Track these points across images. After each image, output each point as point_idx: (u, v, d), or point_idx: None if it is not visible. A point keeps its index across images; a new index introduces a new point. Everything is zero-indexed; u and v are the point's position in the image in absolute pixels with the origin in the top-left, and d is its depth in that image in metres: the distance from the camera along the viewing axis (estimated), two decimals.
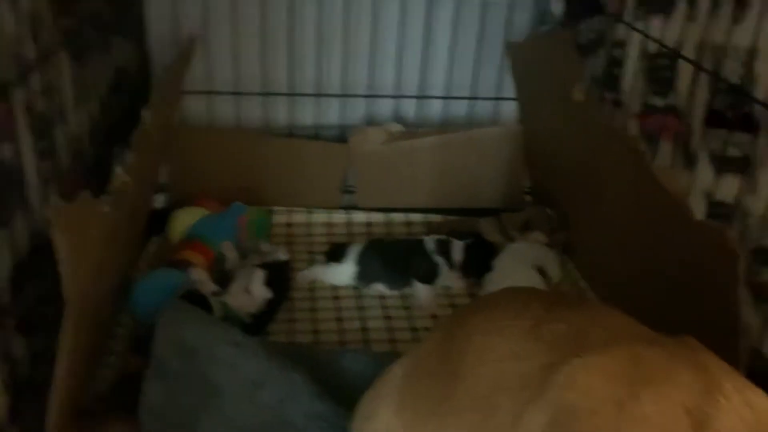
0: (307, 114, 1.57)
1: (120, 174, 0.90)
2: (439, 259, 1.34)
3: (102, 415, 0.94)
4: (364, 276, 1.32)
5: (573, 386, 0.64)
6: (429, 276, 1.33)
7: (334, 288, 1.34)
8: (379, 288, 1.32)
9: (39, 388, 0.86)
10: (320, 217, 1.53)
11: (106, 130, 1.21)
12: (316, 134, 1.58)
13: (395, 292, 1.33)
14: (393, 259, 1.33)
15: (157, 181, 1.44)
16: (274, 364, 1.01)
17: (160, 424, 0.93)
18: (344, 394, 0.99)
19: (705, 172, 1.07)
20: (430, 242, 1.35)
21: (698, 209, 1.05)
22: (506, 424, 0.67)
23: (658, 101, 1.19)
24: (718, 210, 1.05)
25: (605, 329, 0.69)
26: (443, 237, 1.36)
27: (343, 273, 1.33)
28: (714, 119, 1.05)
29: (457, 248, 1.35)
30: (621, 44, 1.29)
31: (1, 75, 0.78)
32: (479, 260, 1.34)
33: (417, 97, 1.58)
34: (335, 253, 1.35)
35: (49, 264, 0.91)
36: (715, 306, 0.89)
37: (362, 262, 1.32)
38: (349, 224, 1.53)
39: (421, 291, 1.32)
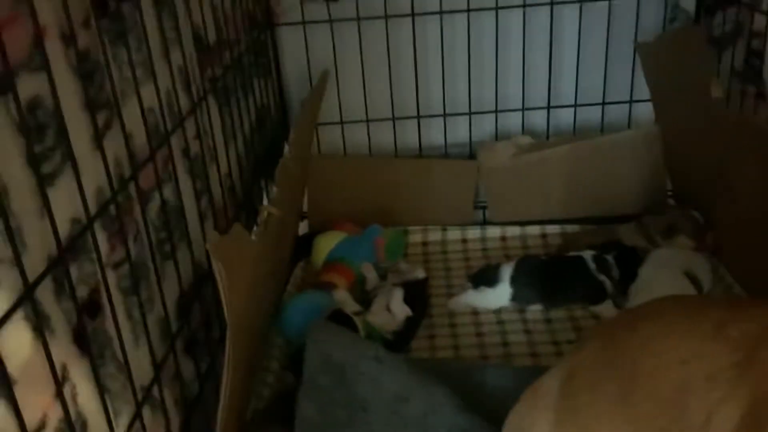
0: (436, 134, 1.60)
1: (266, 206, 0.98)
2: (603, 278, 1.29)
3: (262, 429, 1.01)
4: (521, 298, 1.30)
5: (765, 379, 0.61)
6: (598, 297, 1.29)
7: None
8: (536, 308, 1.30)
9: (205, 406, 0.95)
10: (454, 234, 1.55)
11: (253, 165, 1.31)
12: (445, 153, 1.61)
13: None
14: (551, 278, 1.30)
15: (300, 209, 1.53)
16: (416, 378, 1.04)
17: None
18: (486, 408, 1.00)
19: None
20: (590, 260, 1.30)
21: None
22: (696, 426, 0.64)
23: None
24: None
25: None
26: (597, 252, 1.32)
27: (499, 297, 1.30)
28: None
29: (612, 263, 1.30)
30: (759, 35, 1.22)
31: (161, 125, 0.87)
32: (630, 269, 1.29)
33: (546, 108, 1.58)
34: (486, 277, 1.32)
35: (209, 291, 1.00)
36: None
37: (517, 284, 1.29)
38: (483, 239, 1.54)
39: (605, 312, 1.27)
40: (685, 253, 1.32)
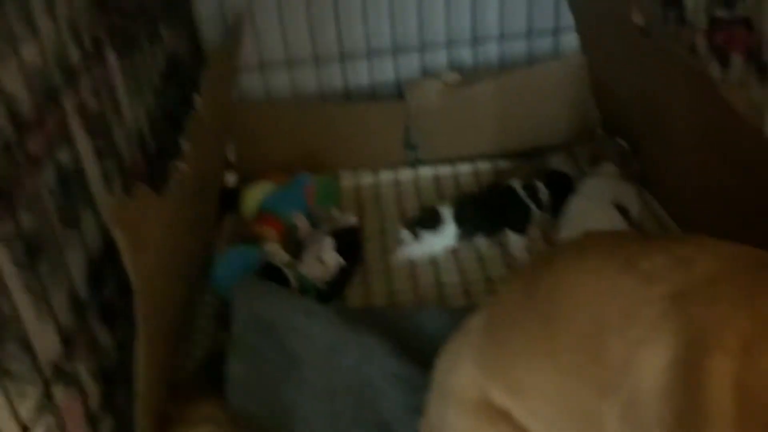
0: (361, 75, 1.55)
1: (176, 164, 0.93)
2: (531, 203, 1.31)
3: (192, 392, 0.99)
4: (466, 234, 1.29)
5: (691, 324, 0.61)
6: (523, 223, 1.30)
7: None
8: (478, 241, 1.30)
9: (129, 375, 0.92)
10: (387, 176, 1.52)
11: (166, 119, 1.24)
12: (372, 94, 1.56)
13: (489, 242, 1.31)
14: (489, 209, 1.31)
15: (224, 160, 1.48)
16: (349, 328, 1.03)
17: (245, 397, 0.97)
18: (422, 352, 1.00)
19: None
20: (519, 188, 1.32)
21: None
22: (615, 367, 0.65)
23: (725, 13, 1.10)
24: None
25: (714, 255, 0.65)
26: (526, 180, 1.33)
27: (445, 238, 1.29)
28: None
29: (541, 188, 1.32)
30: None
31: (48, 82, 0.80)
32: (562, 194, 1.31)
33: (471, 42, 1.53)
34: (426, 222, 1.30)
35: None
36: None
37: (461, 220, 1.29)
38: (416, 180, 1.52)
39: (514, 242, 1.29)
40: (613, 182, 1.33)
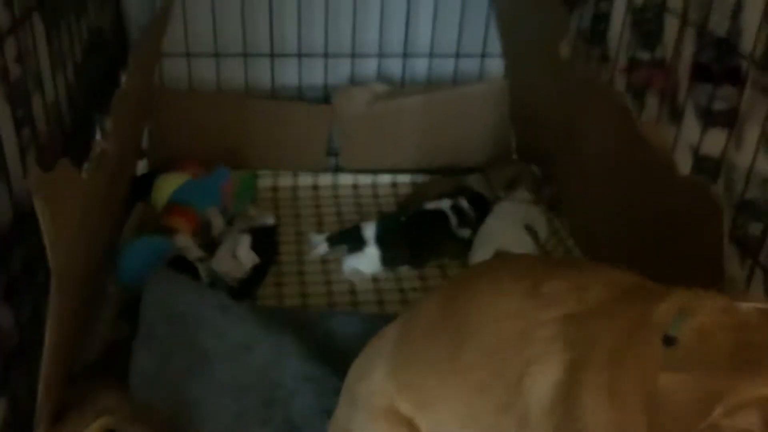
0: (290, 75, 1.54)
1: (99, 141, 0.89)
2: (465, 232, 1.32)
3: (92, 382, 0.94)
4: (390, 261, 1.28)
5: (574, 345, 0.65)
6: (461, 253, 1.31)
7: None
8: (402, 271, 1.28)
9: (27, 358, 0.86)
10: (306, 180, 1.51)
11: (84, 94, 1.18)
12: (299, 96, 1.55)
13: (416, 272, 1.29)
14: (416, 238, 1.30)
15: (139, 146, 1.42)
16: (261, 327, 1.01)
17: (150, 390, 0.93)
18: (334, 356, 1.00)
19: (691, 126, 1.06)
20: (452, 216, 1.32)
21: (684, 164, 1.05)
22: (513, 384, 0.68)
23: (645, 55, 1.18)
24: (703, 164, 1.05)
25: (604, 283, 0.70)
26: (454, 202, 1.35)
27: (368, 262, 1.27)
28: (700, 73, 1.05)
29: (467, 208, 1.34)
30: None
31: None
32: (482, 215, 1.35)
33: (402, 56, 1.56)
34: (350, 240, 1.29)
35: (32, 232, 0.90)
36: (702, 260, 0.90)
37: (385, 244, 1.27)
38: (335, 186, 1.52)
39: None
40: (526, 206, 1.38)
